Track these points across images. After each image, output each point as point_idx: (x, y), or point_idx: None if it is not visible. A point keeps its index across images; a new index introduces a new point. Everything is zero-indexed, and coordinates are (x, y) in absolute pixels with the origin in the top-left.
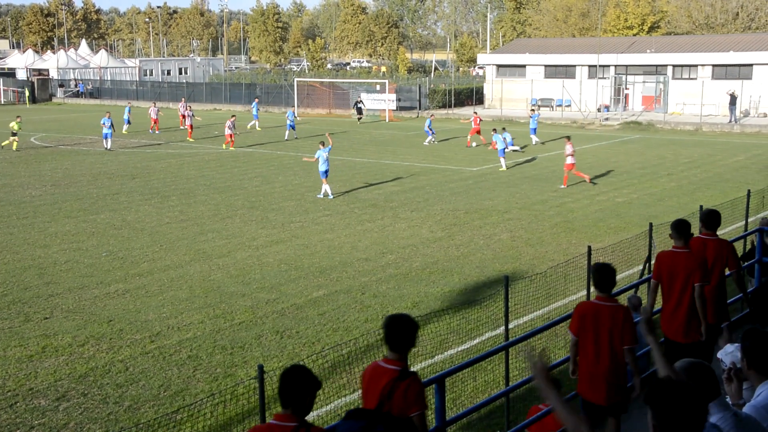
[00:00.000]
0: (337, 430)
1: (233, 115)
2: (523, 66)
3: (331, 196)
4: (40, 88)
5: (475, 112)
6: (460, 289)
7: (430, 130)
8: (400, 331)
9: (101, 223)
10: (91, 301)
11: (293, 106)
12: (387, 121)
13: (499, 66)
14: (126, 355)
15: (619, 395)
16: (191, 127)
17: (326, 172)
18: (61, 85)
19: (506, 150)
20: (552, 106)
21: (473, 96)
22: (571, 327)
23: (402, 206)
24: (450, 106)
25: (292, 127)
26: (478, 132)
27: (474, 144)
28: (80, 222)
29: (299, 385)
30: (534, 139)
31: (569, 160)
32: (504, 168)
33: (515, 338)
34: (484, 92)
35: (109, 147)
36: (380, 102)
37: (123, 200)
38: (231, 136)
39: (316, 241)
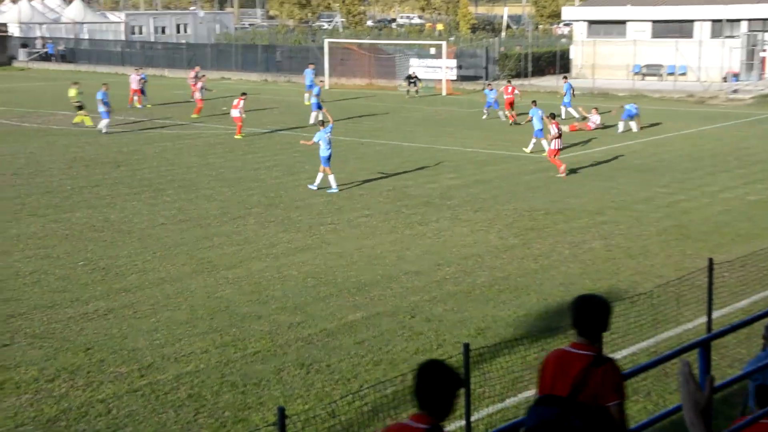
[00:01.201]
0: (528, 417)
1: (244, 93)
2: (623, 22)
3: (336, 189)
4: None
5: (509, 81)
6: (538, 313)
7: (492, 102)
8: (592, 313)
9: (77, 223)
10: (63, 323)
11: (321, 78)
12: (444, 94)
13: (591, 22)
14: (108, 394)
15: None
16: (201, 101)
17: (329, 158)
18: (23, 45)
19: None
20: (661, 75)
21: (557, 61)
22: None
23: (463, 204)
24: (526, 75)
25: (319, 107)
26: (512, 104)
27: (503, 118)
28: (50, 222)
29: (435, 384)
30: (565, 112)
31: (553, 145)
32: (528, 150)
33: None
34: (571, 57)
35: (104, 130)
36: (435, 70)
37: (105, 194)
38: (237, 120)
39: (353, 248)
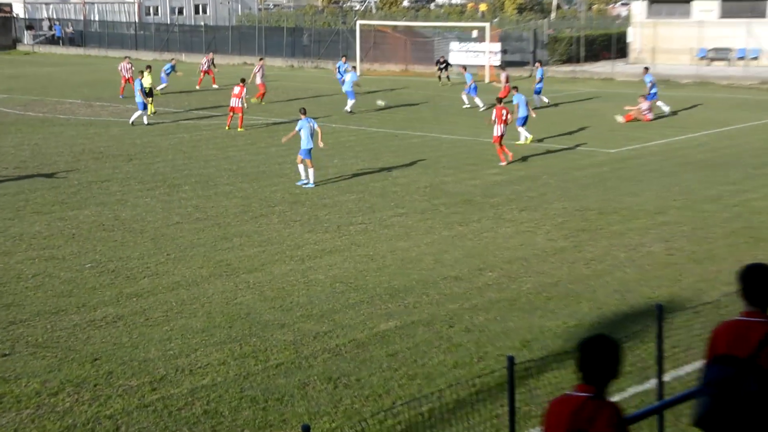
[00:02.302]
0: (706, 374)
1: (243, 80)
2: (688, 1)
3: (312, 184)
4: None
5: (503, 67)
6: (590, 323)
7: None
8: (761, 281)
9: (85, 221)
10: (68, 331)
11: (353, 63)
12: (487, 81)
13: (651, 1)
14: (117, 409)
15: None
16: (263, 86)
17: (309, 151)
18: (29, 27)
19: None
20: (730, 60)
21: (612, 45)
22: None
23: (507, 203)
24: (578, 61)
25: (350, 94)
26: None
27: (469, 105)
28: (55, 220)
29: (598, 358)
30: (537, 99)
31: (497, 131)
32: (525, 141)
33: (673, 397)
34: (629, 40)
35: (145, 121)
36: (477, 55)
37: (115, 190)
38: (237, 110)
39: (385, 250)
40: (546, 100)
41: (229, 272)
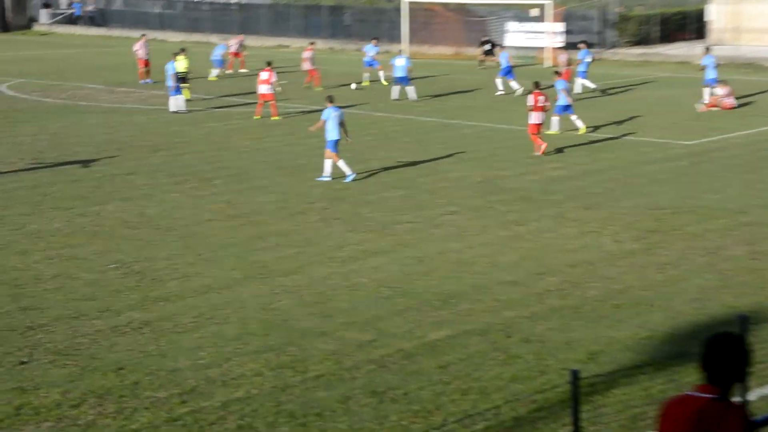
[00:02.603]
0: None
1: (269, 63)
2: None
3: (352, 175)
4: (14, 10)
5: (564, 48)
6: (664, 334)
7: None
8: None
9: (108, 218)
10: (91, 337)
11: (399, 47)
12: (550, 65)
13: None
14: (143, 423)
15: None
16: (315, 71)
17: (336, 143)
18: (46, 6)
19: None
20: None
21: (688, 25)
22: None
23: (570, 200)
24: (647, 43)
25: (405, 81)
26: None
27: (519, 91)
28: (76, 216)
29: (726, 357)
30: (582, 84)
31: (534, 118)
32: (583, 129)
33: (760, 417)
34: (709, 18)
35: (178, 108)
36: (537, 37)
37: (141, 184)
38: (269, 98)
39: (435, 252)
40: (591, 85)
41: (265, 275)
